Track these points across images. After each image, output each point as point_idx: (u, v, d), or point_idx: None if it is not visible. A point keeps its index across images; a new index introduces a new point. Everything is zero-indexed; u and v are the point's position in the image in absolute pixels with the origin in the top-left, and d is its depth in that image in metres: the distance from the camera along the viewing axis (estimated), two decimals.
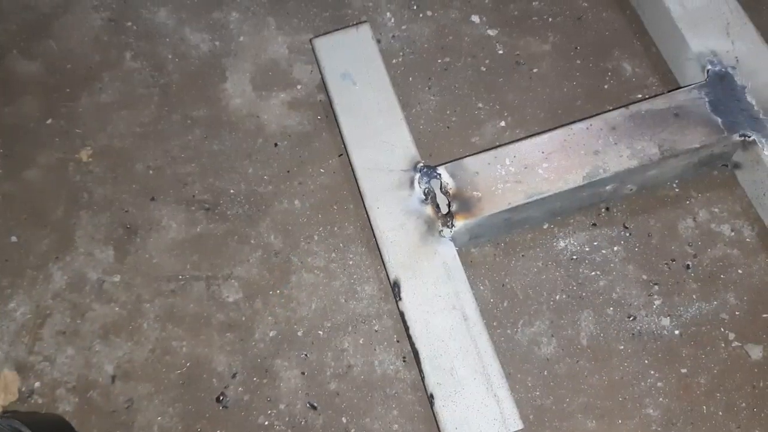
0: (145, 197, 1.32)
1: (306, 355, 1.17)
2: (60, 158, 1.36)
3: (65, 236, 1.29)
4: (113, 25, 1.50)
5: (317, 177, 1.31)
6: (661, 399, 1.09)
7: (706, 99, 1.16)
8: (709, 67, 1.19)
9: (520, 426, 0.99)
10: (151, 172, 1.34)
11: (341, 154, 1.32)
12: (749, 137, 1.13)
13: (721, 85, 1.17)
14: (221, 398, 1.14)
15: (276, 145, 1.35)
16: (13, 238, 1.29)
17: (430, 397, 1.01)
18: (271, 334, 1.19)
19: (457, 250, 1.12)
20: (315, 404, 1.13)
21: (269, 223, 1.28)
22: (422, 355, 1.03)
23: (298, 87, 1.40)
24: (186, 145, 1.36)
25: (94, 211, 1.31)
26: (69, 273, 1.26)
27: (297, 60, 1.43)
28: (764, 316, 1.14)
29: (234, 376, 1.16)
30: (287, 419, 1.12)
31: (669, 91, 1.20)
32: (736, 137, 1.14)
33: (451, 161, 1.16)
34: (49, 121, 1.40)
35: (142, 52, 1.46)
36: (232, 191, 1.31)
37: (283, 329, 1.19)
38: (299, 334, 1.18)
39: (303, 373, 1.15)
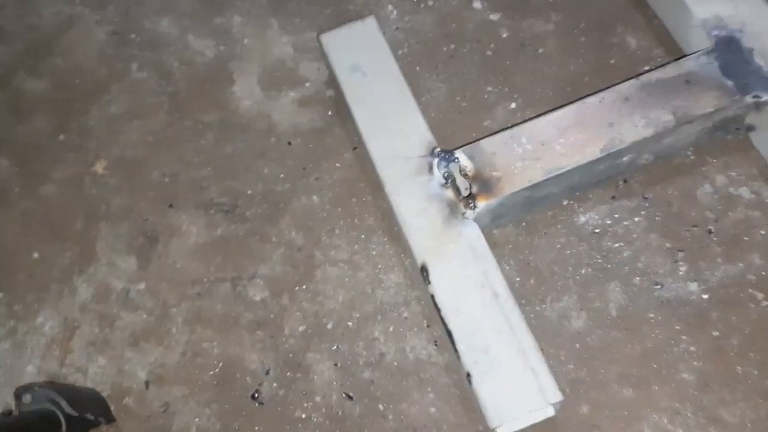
0: (163, 204, 1.32)
1: (337, 346, 1.17)
2: (75, 172, 1.37)
3: (87, 248, 1.29)
4: (117, 38, 1.51)
5: (333, 171, 1.32)
6: (695, 363, 1.09)
7: (716, 63, 1.17)
8: (715, 32, 1.20)
9: (560, 397, 0.99)
10: (166, 179, 1.35)
11: (355, 148, 1.33)
12: (761, 98, 1.14)
13: (729, 49, 1.18)
14: (256, 395, 1.14)
15: (289, 143, 1.35)
16: (36, 254, 1.30)
17: (468, 376, 1.01)
18: (300, 329, 1.19)
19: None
20: (351, 394, 1.13)
21: (289, 221, 1.28)
22: (456, 336, 1.03)
23: (307, 84, 1.41)
24: (199, 149, 1.37)
25: (114, 221, 1.32)
26: (94, 284, 1.26)
27: (303, 58, 1.44)
28: None
29: (267, 372, 1.16)
30: (324, 410, 1.12)
31: (677, 59, 1.21)
32: (749, 99, 1.14)
33: (468, 144, 1.17)
34: (61, 137, 1.41)
35: (148, 63, 1.47)
36: (249, 192, 1.32)
37: (313, 323, 1.19)
38: (329, 326, 1.19)
39: (336, 365, 1.15)
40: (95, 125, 1.42)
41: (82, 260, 1.29)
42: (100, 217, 1.32)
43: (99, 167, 1.37)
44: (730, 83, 1.15)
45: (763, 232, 1.17)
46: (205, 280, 1.25)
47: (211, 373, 1.17)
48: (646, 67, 1.32)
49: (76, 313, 1.24)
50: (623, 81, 1.19)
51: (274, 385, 1.15)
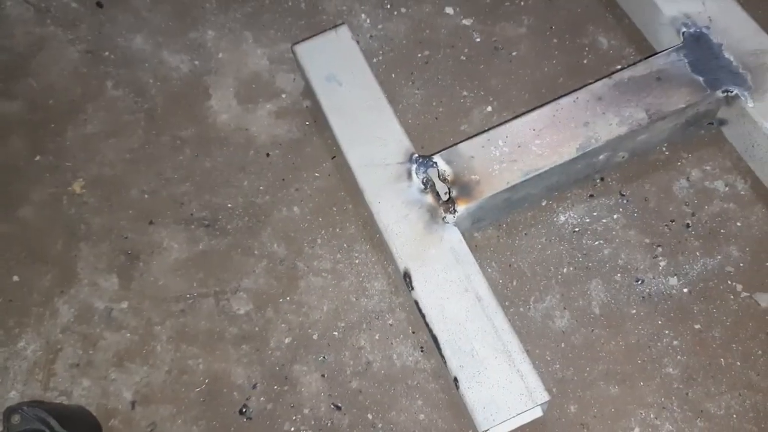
0: (143, 221, 1.31)
1: (324, 357, 1.17)
2: (53, 193, 1.36)
3: (67, 269, 1.28)
4: (90, 57, 1.50)
5: (313, 182, 1.32)
6: (679, 357, 1.10)
7: (686, 60, 1.19)
8: (684, 29, 1.22)
9: (547, 398, 1.00)
10: (146, 196, 1.34)
11: (334, 157, 1.33)
12: (732, 92, 1.16)
13: (698, 46, 1.20)
14: (244, 410, 1.14)
15: (268, 155, 1.35)
16: (15, 278, 1.28)
17: (455, 381, 1.01)
18: (286, 341, 1.18)
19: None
20: (339, 404, 1.13)
21: (271, 233, 1.28)
22: (441, 341, 1.04)
23: (283, 96, 1.41)
24: (178, 165, 1.36)
25: (94, 241, 1.30)
26: (75, 305, 1.25)
27: (279, 70, 1.44)
28: None
29: (254, 386, 1.15)
30: (313, 422, 1.12)
31: (648, 57, 1.23)
32: (719, 93, 1.16)
33: (446, 148, 1.18)
34: (37, 158, 1.40)
35: (122, 80, 1.47)
36: (229, 205, 1.31)
37: (298, 335, 1.19)
38: (314, 337, 1.18)
39: (323, 376, 1.15)
40: (71, 145, 1.41)
41: (63, 281, 1.27)
42: (80, 237, 1.31)
43: (77, 187, 1.36)
44: (700, 79, 1.17)
45: (739, 224, 1.19)
46: (188, 296, 1.24)
47: (198, 390, 1.16)
48: (618, 67, 1.34)
49: (58, 336, 1.22)
50: (596, 81, 1.21)
51: (262, 399, 1.14)
